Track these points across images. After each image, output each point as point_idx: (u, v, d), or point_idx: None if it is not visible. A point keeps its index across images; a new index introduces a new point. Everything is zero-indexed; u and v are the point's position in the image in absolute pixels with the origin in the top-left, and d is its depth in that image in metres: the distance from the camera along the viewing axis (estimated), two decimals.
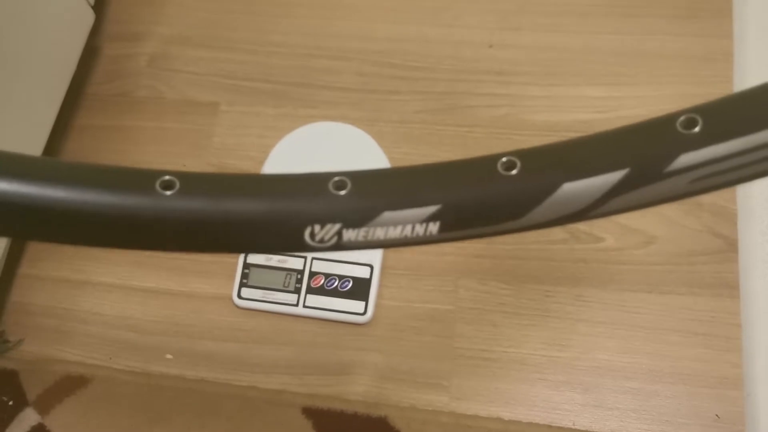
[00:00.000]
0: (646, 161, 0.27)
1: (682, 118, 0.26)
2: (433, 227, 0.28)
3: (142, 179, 0.27)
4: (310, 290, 0.78)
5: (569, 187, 0.27)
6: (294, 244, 0.28)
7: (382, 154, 0.83)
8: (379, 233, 0.28)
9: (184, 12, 0.97)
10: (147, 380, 0.78)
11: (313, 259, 0.79)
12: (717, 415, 0.72)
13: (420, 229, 0.28)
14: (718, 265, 0.77)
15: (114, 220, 0.27)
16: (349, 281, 0.78)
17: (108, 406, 0.77)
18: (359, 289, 0.78)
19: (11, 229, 0.28)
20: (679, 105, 0.85)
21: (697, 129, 0.26)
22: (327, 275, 0.79)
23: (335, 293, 0.78)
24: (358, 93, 0.89)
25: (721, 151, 0.26)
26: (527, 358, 0.75)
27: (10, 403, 0.78)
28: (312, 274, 0.79)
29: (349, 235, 0.28)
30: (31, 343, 0.82)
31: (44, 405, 0.77)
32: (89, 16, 0.87)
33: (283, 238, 0.28)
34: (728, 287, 0.76)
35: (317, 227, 0.28)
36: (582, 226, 0.79)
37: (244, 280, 0.80)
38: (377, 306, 0.78)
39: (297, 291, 0.79)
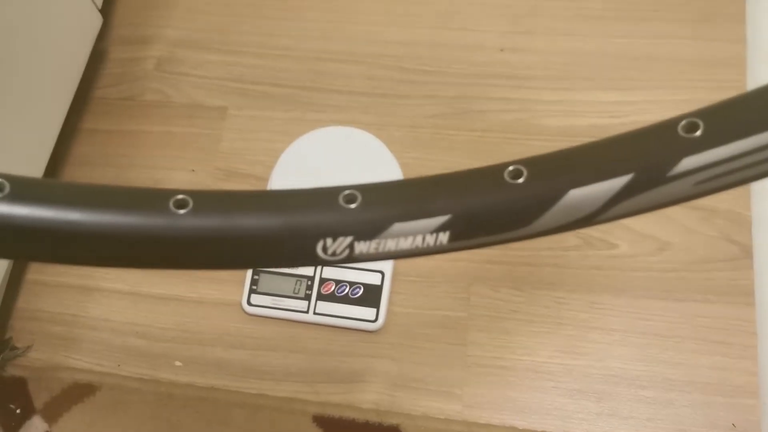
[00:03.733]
0: (650, 166, 0.27)
1: (683, 122, 0.27)
2: (443, 237, 0.29)
3: (155, 199, 0.28)
4: (321, 297, 0.78)
5: (575, 194, 0.28)
6: (306, 258, 0.29)
7: (392, 159, 0.82)
8: (390, 245, 0.29)
9: (192, 15, 0.96)
10: (156, 388, 0.77)
11: None
12: (733, 424, 0.71)
13: (430, 240, 0.29)
14: (733, 272, 0.76)
15: (129, 241, 0.28)
16: (360, 288, 0.78)
17: (116, 415, 0.76)
18: (370, 295, 0.77)
19: (28, 253, 0.29)
20: (692, 109, 0.84)
21: (698, 133, 0.27)
22: (338, 282, 0.78)
23: (346, 300, 0.77)
24: (369, 97, 0.88)
25: (722, 153, 0.27)
26: (541, 365, 0.74)
27: (18, 411, 0.77)
28: (322, 281, 0.78)
29: (361, 247, 0.28)
30: (39, 350, 0.81)
31: (52, 413, 0.76)
32: (97, 20, 0.87)
33: (295, 253, 0.29)
34: (743, 294, 0.75)
35: (329, 241, 0.28)
36: (595, 233, 0.79)
37: (254, 287, 0.79)
38: (388, 313, 0.77)
39: (307, 298, 0.78)
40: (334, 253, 0.28)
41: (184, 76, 0.92)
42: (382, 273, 0.78)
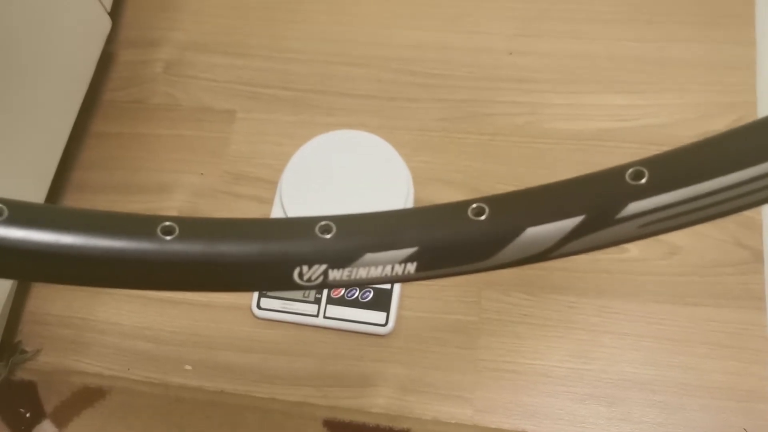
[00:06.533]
0: (600, 209, 0.30)
1: (630, 170, 0.29)
2: (411, 267, 0.31)
3: (144, 225, 0.30)
4: (331, 301, 0.78)
5: (532, 232, 0.30)
6: (284, 284, 0.31)
7: (401, 163, 0.82)
8: (362, 273, 0.31)
9: (200, 18, 0.96)
10: (166, 392, 0.77)
11: None
12: (745, 429, 0.71)
13: (399, 269, 0.31)
14: (744, 276, 0.76)
15: (119, 265, 0.30)
16: (369, 291, 0.77)
17: (126, 419, 0.76)
18: (380, 299, 0.77)
19: (24, 273, 0.31)
20: (702, 113, 0.84)
21: (643, 180, 0.29)
22: None
23: (356, 304, 0.77)
24: (378, 100, 0.88)
25: (665, 200, 0.29)
26: (552, 370, 0.74)
27: (28, 415, 0.77)
28: None
29: (335, 274, 0.31)
30: (48, 353, 0.81)
31: (62, 417, 0.76)
32: (106, 23, 0.86)
33: (274, 278, 0.31)
34: (754, 299, 0.75)
35: (305, 268, 0.30)
36: None
37: (264, 290, 0.79)
38: (399, 317, 0.77)
39: (317, 301, 0.78)
40: (309, 279, 0.31)
41: (193, 79, 0.92)
42: None
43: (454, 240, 0.31)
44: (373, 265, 0.31)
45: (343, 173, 0.81)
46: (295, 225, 0.31)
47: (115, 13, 0.91)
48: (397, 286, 0.77)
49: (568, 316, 0.76)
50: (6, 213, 0.28)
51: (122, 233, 0.29)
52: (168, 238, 0.29)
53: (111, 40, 0.92)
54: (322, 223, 0.30)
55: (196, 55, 0.94)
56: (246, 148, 0.88)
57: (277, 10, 0.94)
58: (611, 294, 0.76)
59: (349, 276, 0.31)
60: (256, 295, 0.79)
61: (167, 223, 0.30)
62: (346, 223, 0.31)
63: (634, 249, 0.78)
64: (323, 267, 0.30)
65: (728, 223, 0.78)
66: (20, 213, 0.28)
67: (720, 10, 0.87)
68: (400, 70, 0.89)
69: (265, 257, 0.30)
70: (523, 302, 0.77)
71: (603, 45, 0.87)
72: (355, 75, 0.89)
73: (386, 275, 0.31)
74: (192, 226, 0.30)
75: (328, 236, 0.30)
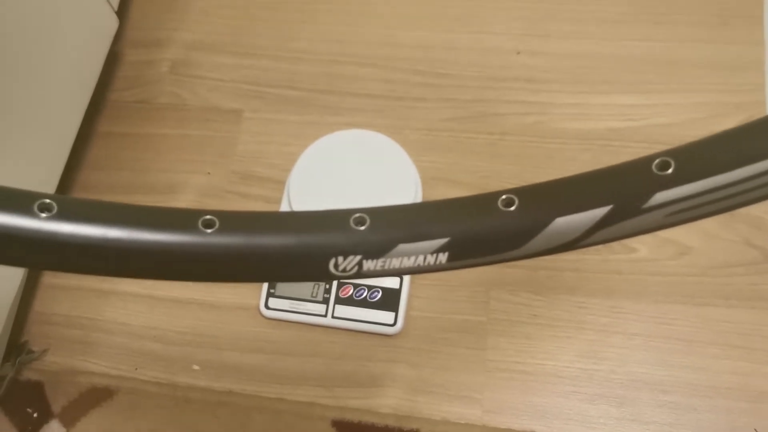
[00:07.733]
0: (627, 199, 0.30)
1: (657, 160, 0.30)
2: (443, 257, 0.32)
3: (186, 219, 0.31)
4: (339, 301, 0.77)
5: (561, 222, 0.31)
6: (320, 274, 0.32)
7: (409, 163, 0.82)
8: (395, 263, 0.32)
9: (206, 18, 0.95)
10: (173, 392, 0.77)
11: None
12: (755, 430, 0.70)
13: (431, 259, 0.32)
14: (755, 276, 0.76)
15: (162, 257, 0.31)
16: (378, 291, 0.77)
17: (134, 419, 0.76)
18: (389, 299, 0.77)
19: (71, 265, 0.31)
20: (710, 113, 0.84)
21: (670, 171, 0.30)
22: (356, 285, 0.77)
23: (364, 304, 0.77)
24: (385, 100, 0.88)
25: (691, 189, 0.30)
26: (561, 370, 0.74)
27: (35, 415, 0.76)
28: (341, 285, 0.78)
29: (369, 265, 0.31)
30: (56, 353, 0.80)
31: (69, 417, 0.76)
32: (113, 22, 0.86)
33: (310, 269, 0.32)
34: (765, 299, 0.75)
35: (340, 259, 0.31)
36: None
37: (272, 290, 0.78)
38: (407, 317, 0.77)
39: (325, 301, 0.77)
40: (344, 270, 0.31)
41: (199, 79, 0.92)
42: (401, 276, 0.77)
43: (485, 230, 0.31)
44: (406, 256, 0.31)
45: (351, 173, 0.81)
46: (331, 217, 0.32)
47: (121, 13, 0.91)
48: (405, 287, 0.77)
49: (577, 316, 0.76)
50: (55, 208, 0.29)
51: (165, 227, 0.30)
52: (209, 231, 0.30)
53: (117, 39, 0.92)
54: (357, 215, 0.31)
55: (203, 54, 0.93)
56: (253, 148, 0.87)
57: (284, 10, 0.94)
58: (621, 294, 0.76)
59: (383, 266, 0.31)
60: (264, 294, 0.78)
61: (208, 217, 0.30)
62: (379, 215, 0.31)
63: (644, 249, 0.78)
64: (358, 258, 0.31)
65: (738, 223, 0.78)
66: (68, 208, 0.29)
67: (728, 10, 0.87)
68: (407, 70, 0.89)
69: (302, 249, 0.31)
70: (533, 302, 0.76)
71: (611, 45, 0.87)
72: (363, 75, 0.89)
73: (419, 265, 0.32)
74: (231, 220, 0.31)
75: (363, 228, 0.31)
